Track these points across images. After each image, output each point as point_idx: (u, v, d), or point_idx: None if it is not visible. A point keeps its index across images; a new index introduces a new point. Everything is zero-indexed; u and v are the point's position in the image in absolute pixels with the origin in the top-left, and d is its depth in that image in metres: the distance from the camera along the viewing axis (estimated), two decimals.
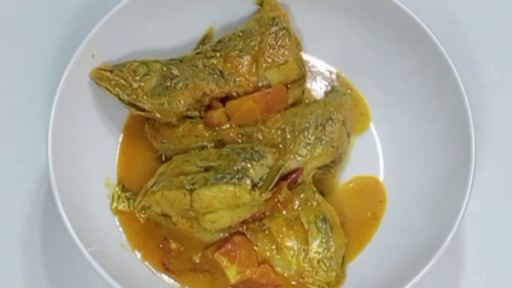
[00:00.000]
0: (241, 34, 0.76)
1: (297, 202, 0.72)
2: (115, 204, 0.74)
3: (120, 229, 0.74)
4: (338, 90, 0.79)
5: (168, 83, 0.74)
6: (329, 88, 0.81)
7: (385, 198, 0.77)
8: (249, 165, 0.69)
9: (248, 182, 0.68)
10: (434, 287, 0.75)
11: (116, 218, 0.74)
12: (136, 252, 0.73)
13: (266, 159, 0.70)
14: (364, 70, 0.81)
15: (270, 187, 0.69)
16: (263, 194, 0.68)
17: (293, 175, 0.72)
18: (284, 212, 0.72)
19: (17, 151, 0.80)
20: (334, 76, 0.82)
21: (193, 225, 0.70)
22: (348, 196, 0.78)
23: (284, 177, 0.71)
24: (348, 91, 0.81)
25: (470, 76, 0.81)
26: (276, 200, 0.71)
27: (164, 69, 0.74)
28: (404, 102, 0.79)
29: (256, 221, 0.71)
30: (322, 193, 0.75)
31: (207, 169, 0.69)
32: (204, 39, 0.80)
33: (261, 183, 0.69)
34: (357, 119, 0.80)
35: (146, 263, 0.72)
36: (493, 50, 0.88)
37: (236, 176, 0.68)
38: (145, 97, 0.73)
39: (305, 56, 0.81)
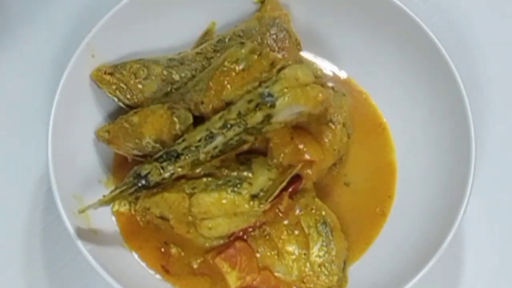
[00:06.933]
0: (241, 33, 0.75)
1: (297, 210, 0.71)
2: (116, 207, 0.74)
3: (118, 229, 0.74)
4: (337, 91, 0.79)
5: (169, 88, 0.74)
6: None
7: (393, 194, 0.77)
8: (250, 175, 0.69)
9: (247, 191, 0.67)
10: (434, 287, 0.75)
11: (115, 219, 0.74)
12: (133, 253, 0.73)
13: (270, 171, 0.70)
14: (363, 70, 0.81)
15: (270, 199, 0.68)
16: (261, 205, 0.67)
17: (294, 185, 0.71)
18: (286, 222, 0.71)
19: (17, 151, 0.80)
20: (332, 76, 0.83)
21: (190, 230, 0.70)
22: (362, 181, 0.77)
23: (285, 187, 0.69)
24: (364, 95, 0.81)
25: (470, 76, 0.81)
26: (277, 210, 0.70)
27: (165, 73, 0.74)
28: (403, 102, 0.79)
29: (256, 229, 0.71)
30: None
31: (208, 175, 0.69)
32: (205, 35, 0.80)
33: (261, 194, 0.68)
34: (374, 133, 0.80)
35: (145, 264, 0.72)
36: (493, 50, 0.88)
37: (237, 185, 0.68)
38: (145, 102, 0.73)
39: (305, 56, 0.81)
